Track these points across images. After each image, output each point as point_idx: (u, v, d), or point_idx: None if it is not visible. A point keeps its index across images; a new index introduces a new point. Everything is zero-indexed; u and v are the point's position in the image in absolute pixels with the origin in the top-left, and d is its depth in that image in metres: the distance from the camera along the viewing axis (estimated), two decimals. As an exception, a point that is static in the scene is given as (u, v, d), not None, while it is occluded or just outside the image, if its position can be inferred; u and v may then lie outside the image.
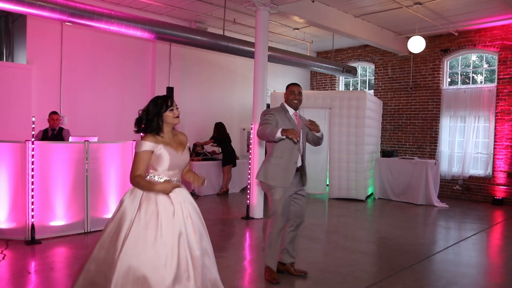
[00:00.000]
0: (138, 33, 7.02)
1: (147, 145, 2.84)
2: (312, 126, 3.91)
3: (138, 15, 7.36)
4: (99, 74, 8.35)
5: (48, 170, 5.43)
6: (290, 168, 3.98)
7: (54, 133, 6.84)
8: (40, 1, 5.83)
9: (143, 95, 8.99)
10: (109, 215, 5.99)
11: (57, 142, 6.18)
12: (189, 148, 3.22)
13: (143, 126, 2.93)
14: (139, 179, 2.83)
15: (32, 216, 5.18)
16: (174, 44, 8.93)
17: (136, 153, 2.87)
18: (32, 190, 5.17)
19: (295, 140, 3.65)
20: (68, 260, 4.66)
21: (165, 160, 2.86)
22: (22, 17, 7.37)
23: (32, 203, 5.18)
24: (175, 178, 2.95)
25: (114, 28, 6.71)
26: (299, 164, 4.07)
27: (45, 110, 7.07)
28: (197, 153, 9.45)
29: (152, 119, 2.89)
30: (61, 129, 6.93)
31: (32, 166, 5.17)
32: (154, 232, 2.72)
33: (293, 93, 4.12)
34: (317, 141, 4.22)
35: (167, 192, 2.84)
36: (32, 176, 5.17)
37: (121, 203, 2.92)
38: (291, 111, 4.14)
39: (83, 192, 5.72)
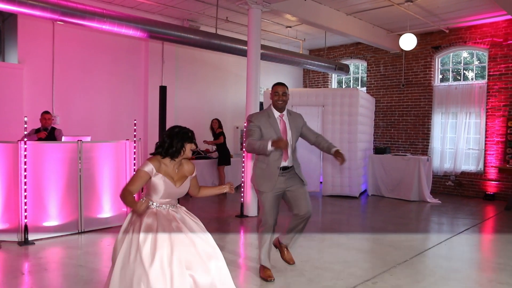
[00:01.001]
0: (130, 32, 7.00)
1: (149, 167, 2.92)
2: (338, 158, 3.93)
3: (130, 13, 7.34)
4: (92, 73, 8.30)
5: (41, 170, 5.41)
6: (273, 172, 3.97)
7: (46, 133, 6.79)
8: (31, 0, 5.79)
9: (135, 94, 8.97)
10: (103, 215, 6.00)
11: (50, 142, 6.15)
12: (196, 176, 3.31)
13: (161, 149, 3.01)
14: (127, 194, 2.89)
15: (25, 217, 5.16)
16: (166, 43, 8.90)
17: (137, 170, 2.98)
18: (25, 190, 5.15)
19: (287, 149, 3.78)
20: (62, 260, 4.65)
21: (160, 190, 2.95)
22: (13, 16, 7.31)
23: (25, 204, 5.16)
24: (169, 205, 3.03)
25: (106, 27, 6.68)
26: (285, 164, 4.02)
27: (37, 109, 7.02)
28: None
29: (175, 145, 2.98)
30: (53, 128, 6.89)
31: (25, 166, 5.15)
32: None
33: (277, 94, 4.04)
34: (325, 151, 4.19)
35: (139, 212, 2.86)
36: (25, 177, 5.15)
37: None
38: (276, 113, 4.07)
39: (76, 192, 5.70)
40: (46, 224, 5.45)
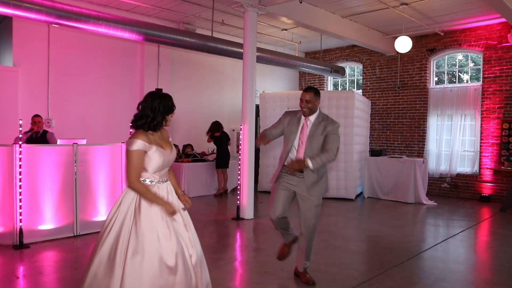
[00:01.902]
0: (126, 34, 6.99)
1: (140, 144, 2.75)
2: (288, 168, 3.86)
3: (126, 16, 7.33)
4: (87, 76, 8.29)
5: (36, 173, 5.38)
6: (279, 166, 4.07)
7: (37, 135, 6.75)
8: (26, 2, 5.78)
9: (131, 96, 8.95)
10: (99, 218, 5.97)
11: (45, 145, 6.12)
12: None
13: (143, 122, 2.83)
14: (140, 185, 2.78)
15: (20, 220, 5.12)
16: (162, 45, 8.91)
17: (129, 152, 2.76)
18: (20, 193, 5.12)
19: (257, 144, 3.98)
20: (57, 264, 4.63)
21: (158, 162, 2.82)
22: (8, 19, 7.29)
23: (20, 207, 5.12)
24: (165, 178, 2.94)
25: (101, 29, 6.67)
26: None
27: (33, 112, 7.00)
28: (186, 154, 9.43)
29: (157, 117, 2.83)
30: (45, 132, 6.85)
31: (20, 170, 5.12)
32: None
33: (301, 100, 3.96)
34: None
35: (171, 214, 2.81)
36: (20, 180, 5.12)
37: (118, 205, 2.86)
38: (303, 116, 4.04)
39: (72, 195, 5.68)
40: (41, 227, 5.42)
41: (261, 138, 3.91)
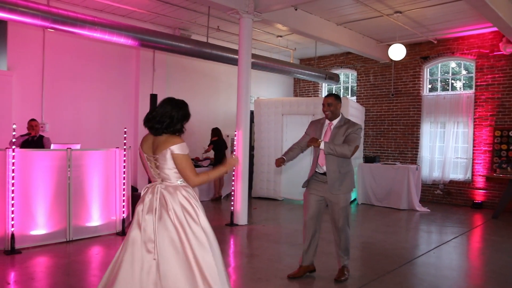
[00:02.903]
0: (121, 40, 7.00)
1: (185, 146, 2.88)
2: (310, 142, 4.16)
3: (121, 22, 7.34)
4: (82, 80, 8.27)
5: (29, 178, 5.35)
6: (310, 172, 4.37)
7: (34, 139, 6.73)
8: (21, 7, 5.77)
9: (126, 102, 8.95)
10: (92, 223, 5.95)
11: (39, 149, 6.10)
12: None
13: (170, 127, 2.91)
14: (203, 177, 2.88)
15: (12, 225, 5.09)
16: (157, 51, 8.91)
17: (184, 156, 2.83)
18: (13, 198, 5.09)
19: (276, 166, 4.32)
20: (49, 269, 4.59)
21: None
22: (2, 22, 7.27)
23: (12, 212, 5.09)
24: None
25: (97, 35, 6.67)
26: (321, 170, 4.27)
27: (27, 117, 6.98)
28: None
29: (179, 122, 2.95)
30: (41, 136, 6.83)
31: (13, 174, 5.09)
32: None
33: (323, 105, 4.28)
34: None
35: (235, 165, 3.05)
36: (13, 184, 5.09)
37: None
38: (327, 121, 4.34)
39: (65, 200, 5.65)
40: (33, 232, 5.39)
41: (278, 161, 4.27)
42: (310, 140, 4.15)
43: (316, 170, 4.31)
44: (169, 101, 2.97)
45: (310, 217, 4.35)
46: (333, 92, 4.56)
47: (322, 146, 4.04)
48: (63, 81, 8.01)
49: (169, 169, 2.81)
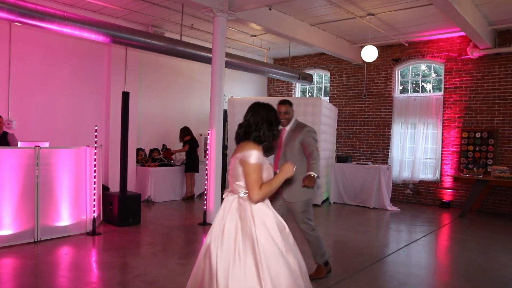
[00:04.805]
0: (92, 36, 6.84)
1: (260, 156, 2.62)
2: (305, 180, 4.01)
3: (93, 17, 7.18)
4: (51, 76, 8.04)
5: (-5, 177, 5.17)
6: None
7: None
8: (-13, 0, 5.56)
9: (97, 99, 8.76)
10: (61, 223, 5.80)
11: (5, 147, 5.89)
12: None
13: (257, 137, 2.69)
14: (265, 191, 2.60)
15: (-23, 226, 4.91)
16: (130, 48, 8.76)
17: (252, 165, 2.58)
18: (-23, 198, 4.91)
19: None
20: (15, 271, 4.45)
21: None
22: (-33, 16, 6.99)
23: (-23, 212, 4.91)
24: None
25: (67, 30, 6.50)
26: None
27: (-8, 114, 6.74)
28: (153, 158, 9.31)
29: (272, 131, 2.75)
30: (5, 133, 6.58)
31: (-23, 173, 4.91)
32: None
33: (279, 113, 4.19)
34: None
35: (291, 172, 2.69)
36: (-23, 183, 4.91)
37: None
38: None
39: (33, 199, 5.49)
40: (-1, 233, 5.21)
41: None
42: (308, 178, 3.99)
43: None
44: (261, 105, 2.82)
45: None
46: (286, 99, 4.48)
47: (316, 174, 4.01)
48: (31, 77, 7.76)
49: None
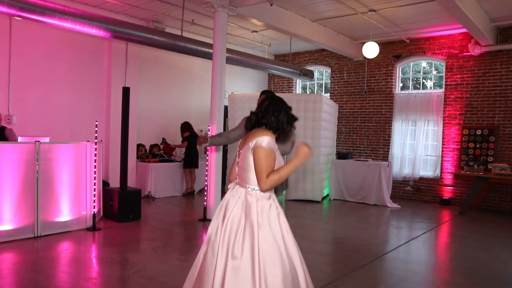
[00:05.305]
0: (93, 31, 6.82)
1: (272, 142, 2.53)
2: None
3: (93, 12, 7.15)
4: (52, 72, 8.02)
5: (-5, 172, 5.17)
6: None
7: None
8: (-13, -6, 5.54)
9: (98, 94, 8.74)
10: (61, 218, 5.80)
11: (5, 142, 5.89)
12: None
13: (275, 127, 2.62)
14: (274, 179, 2.52)
15: (-23, 220, 4.91)
16: (131, 43, 8.74)
17: (264, 149, 2.50)
18: (-23, 192, 4.91)
19: (198, 144, 4.53)
20: (15, 266, 4.45)
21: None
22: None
23: (-23, 207, 4.91)
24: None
25: (68, 25, 6.48)
26: None
27: (-8, 108, 6.73)
28: (153, 154, 9.31)
29: (290, 121, 2.67)
30: (3, 128, 6.57)
31: (-23, 168, 4.91)
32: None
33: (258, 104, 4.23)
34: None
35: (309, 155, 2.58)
36: (-23, 178, 4.91)
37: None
38: None
39: (33, 194, 5.48)
40: (-1, 228, 5.22)
41: (201, 138, 4.46)
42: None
43: None
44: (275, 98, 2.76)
45: None
46: (266, 90, 4.48)
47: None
48: (31, 72, 7.74)
49: None
